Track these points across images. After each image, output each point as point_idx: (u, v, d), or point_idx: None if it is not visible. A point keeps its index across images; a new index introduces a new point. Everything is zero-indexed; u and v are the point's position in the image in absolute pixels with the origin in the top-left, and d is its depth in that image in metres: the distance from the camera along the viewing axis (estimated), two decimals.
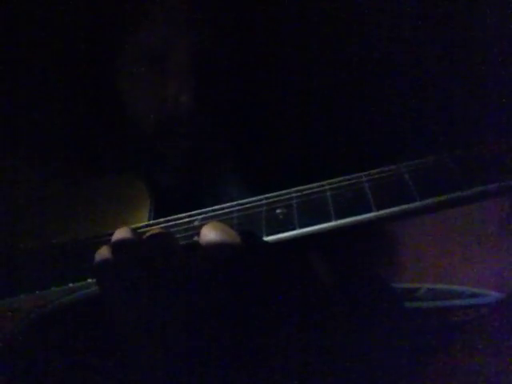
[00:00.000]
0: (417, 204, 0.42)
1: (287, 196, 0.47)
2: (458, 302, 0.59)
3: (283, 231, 0.44)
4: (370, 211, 0.42)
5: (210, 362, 0.45)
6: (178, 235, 0.47)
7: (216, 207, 0.49)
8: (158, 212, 0.53)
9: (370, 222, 0.42)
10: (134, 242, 0.44)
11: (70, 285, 0.47)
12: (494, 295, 0.57)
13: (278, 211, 0.46)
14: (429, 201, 0.41)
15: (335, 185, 0.46)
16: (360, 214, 0.42)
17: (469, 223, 0.59)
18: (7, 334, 0.47)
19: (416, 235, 0.62)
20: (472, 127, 0.57)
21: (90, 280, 0.46)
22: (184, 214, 0.50)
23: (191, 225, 0.48)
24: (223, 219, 0.47)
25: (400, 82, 0.62)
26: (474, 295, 0.59)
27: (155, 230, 0.46)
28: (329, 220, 0.43)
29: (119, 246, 0.45)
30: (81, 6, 0.60)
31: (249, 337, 0.44)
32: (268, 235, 0.44)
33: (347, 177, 0.46)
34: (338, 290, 0.51)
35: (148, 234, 0.45)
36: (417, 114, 0.62)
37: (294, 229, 0.44)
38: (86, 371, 0.47)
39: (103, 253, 0.45)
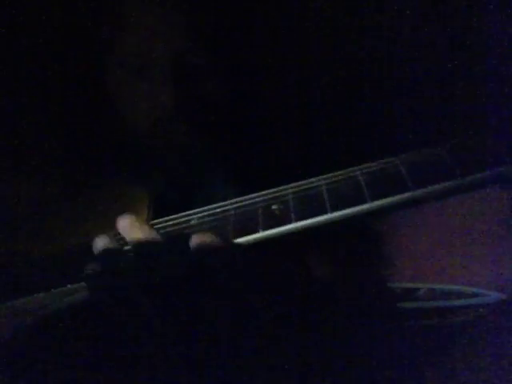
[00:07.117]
0: (410, 194, 0.42)
1: (283, 192, 0.48)
2: (457, 301, 0.59)
3: (279, 226, 0.44)
4: (364, 203, 0.43)
5: (210, 363, 0.45)
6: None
7: (213, 206, 0.50)
8: (156, 213, 0.54)
9: (365, 213, 0.43)
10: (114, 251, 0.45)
11: (69, 286, 0.47)
12: (494, 295, 0.57)
13: (274, 207, 0.46)
14: (422, 190, 0.42)
15: (331, 179, 0.47)
16: (355, 205, 0.43)
17: (469, 223, 0.59)
18: (7, 336, 0.47)
19: (416, 235, 0.62)
20: (467, 121, 0.57)
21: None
22: (181, 214, 0.50)
23: (189, 223, 0.49)
24: (220, 217, 0.48)
25: (396, 75, 0.62)
26: (474, 295, 0.59)
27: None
28: (324, 213, 0.43)
29: (102, 254, 0.45)
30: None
31: (248, 337, 0.45)
32: (265, 230, 0.45)
33: (342, 171, 0.46)
34: (338, 290, 0.51)
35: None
36: (412, 110, 0.62)
37: (290, 223, 0.44)
38: (85, 373, 0.47)
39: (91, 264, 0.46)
